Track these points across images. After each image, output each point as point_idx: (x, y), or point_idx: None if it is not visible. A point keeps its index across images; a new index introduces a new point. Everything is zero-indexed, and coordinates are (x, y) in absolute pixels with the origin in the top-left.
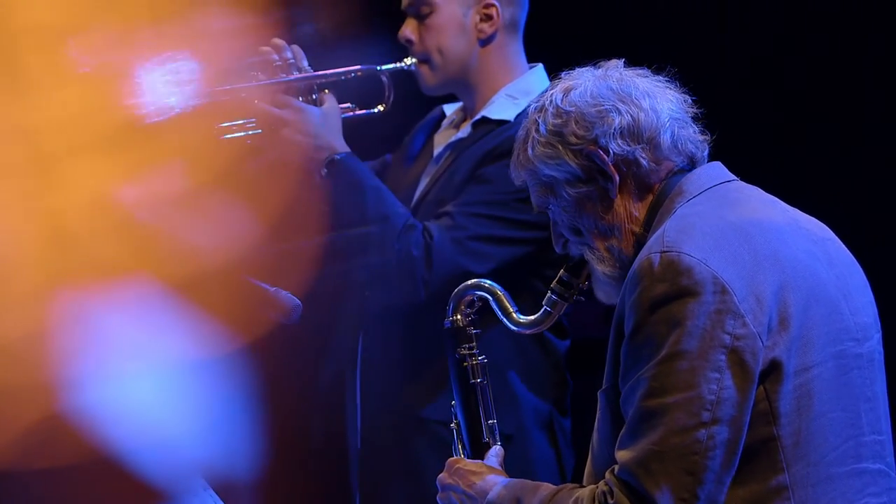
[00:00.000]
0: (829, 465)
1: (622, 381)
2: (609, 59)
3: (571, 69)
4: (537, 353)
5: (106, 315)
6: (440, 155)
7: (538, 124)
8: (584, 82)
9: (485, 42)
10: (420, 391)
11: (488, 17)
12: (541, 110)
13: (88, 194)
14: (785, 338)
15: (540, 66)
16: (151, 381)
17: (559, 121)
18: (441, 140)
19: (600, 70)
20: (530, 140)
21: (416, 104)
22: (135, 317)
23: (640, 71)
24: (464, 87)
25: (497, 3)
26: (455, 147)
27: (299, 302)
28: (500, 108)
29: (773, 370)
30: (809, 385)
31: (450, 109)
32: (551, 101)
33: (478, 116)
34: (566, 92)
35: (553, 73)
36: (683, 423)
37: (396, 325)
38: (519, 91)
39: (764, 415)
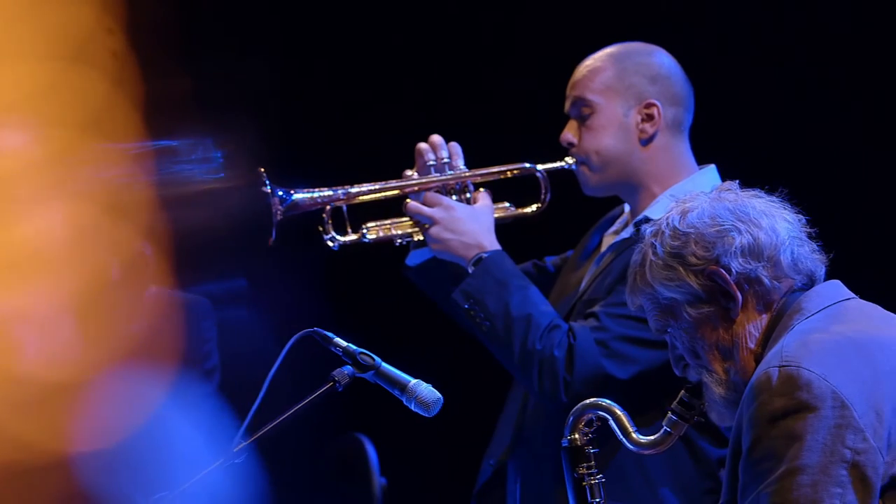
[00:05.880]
0: None
1: (741, 497)
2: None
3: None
4: (688, 463)
5: None
6: (602, 255)
7: (655, 247)
8: (701, 204)
9: (646, 142)
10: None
11: (650, 118)
12: (656, 234)
13: None
14: None
15: (712, 167)
16: None
17: (678, 242)
18: (608, 240)
19: (714, 192)
20: (647, 264)
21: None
22: None
23: (754, 192)
24: (627, 187)
25: (658, 103)
26: (616, 248)
27: (441, 396)
28: (663, 208)
29: (892, 486)
30: None
31: (628, 208)
32: (668, 224)
33: (640, 217)
34: (683, 214)
35: (725, 175)
36: None
37: (543, 424)
38: (684, 192)
39: None
